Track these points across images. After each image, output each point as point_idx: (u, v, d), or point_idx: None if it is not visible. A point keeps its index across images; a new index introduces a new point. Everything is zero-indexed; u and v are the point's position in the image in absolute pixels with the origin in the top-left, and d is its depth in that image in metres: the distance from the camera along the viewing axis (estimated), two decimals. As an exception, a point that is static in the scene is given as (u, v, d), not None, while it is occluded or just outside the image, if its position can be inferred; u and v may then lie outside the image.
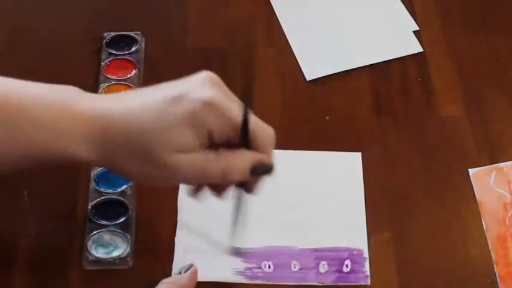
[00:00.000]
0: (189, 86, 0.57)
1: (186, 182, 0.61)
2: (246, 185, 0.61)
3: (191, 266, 0.65)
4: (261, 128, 0.59)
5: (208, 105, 0.55)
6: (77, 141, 0.57)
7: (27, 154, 0.57)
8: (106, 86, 0.78)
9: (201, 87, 0.56)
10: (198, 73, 0.58)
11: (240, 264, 0.67)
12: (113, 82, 0.78)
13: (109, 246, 0.68)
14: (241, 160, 0.58)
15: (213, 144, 0.57)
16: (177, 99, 0.56)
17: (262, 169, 0.59)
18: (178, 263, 0.67)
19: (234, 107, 0.57)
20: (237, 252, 0.67)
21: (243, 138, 0.57)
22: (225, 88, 0.58)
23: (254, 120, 0.58)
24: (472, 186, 0.73)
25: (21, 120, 0.56)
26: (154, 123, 0.56)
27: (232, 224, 0.64)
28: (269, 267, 0.68)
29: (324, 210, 0.71)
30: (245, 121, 0.56)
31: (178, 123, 0.55)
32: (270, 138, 0.59)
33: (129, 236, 0.68)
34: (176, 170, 0.56)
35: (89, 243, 0.67)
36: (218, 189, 0.61)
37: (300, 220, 0.71)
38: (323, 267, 0.68)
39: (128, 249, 0.67)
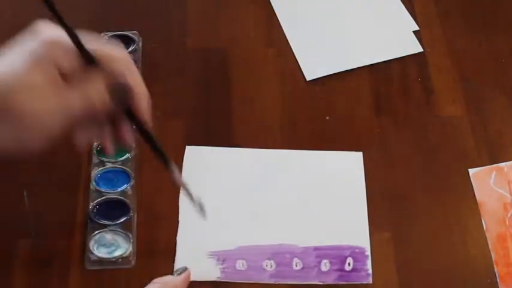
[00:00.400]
0: (29, 33, 0.56)
1: (53, 125, 0.56)
2: (133, 117, 0.58)
3: (185, 269, 0.65)
4: (106, 49, 0.57)
5: (46, 41, 0.55)
6: None
7: None
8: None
9: (39, 30, 0.56)
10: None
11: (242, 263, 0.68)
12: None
13: (111, 246, 0.68)
14: (94, 81, 0.56)
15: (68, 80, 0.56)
16: (21, 46, 0.56)
17: (120, 88, 0.57)
18: (179, 263, 0.67)
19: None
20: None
21: (87, 60, 0.56)
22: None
23: (98, 45, 0.57)
24: (472, 186, 0.73)
25: None
26: (8, 74, 0.54)
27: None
28: (271, 266, 0.68)
29: (326, 209, 0.71)
30: (75, 39, 0.55)
31: (25, 68, 0.54)
32: (120, 58, 0.58)
33: (131, 236, 0.68)
34: (40, 114, 0.54)
35: (91, 243, 0.67)
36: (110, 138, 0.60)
37: (302, 218, 0.71)
38: (325, 265, 0.68)
39: (130, 249, 0.67)
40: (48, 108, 0.55)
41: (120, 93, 0.57)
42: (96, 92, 0.56)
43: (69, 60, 0.56)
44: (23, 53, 0.55)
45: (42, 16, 0.57)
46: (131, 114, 0.59)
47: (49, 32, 0.56)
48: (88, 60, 0.56)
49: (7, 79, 0.55)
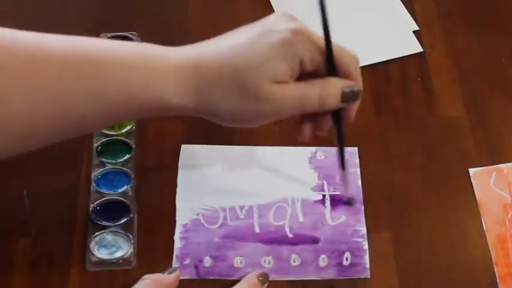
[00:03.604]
0: (271, 22, 0.60)
1: (284, 113, 0.61)
2: (339, 116, 0.63)
3: (176, 269, 0.66)
4: (345, 52, 0.61)
5: (297, 33, 0.58)
6: (171, 87, 0.57)
7: (123, 105, 0.57)
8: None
9: (283, 20, 0.59)
10: (272, 14, 0.61)
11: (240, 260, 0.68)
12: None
13: (112, 247, 0.68)
14: (333, 86, 0.60)
15: (303, 74, 0.59)
16: (264, 33, 0.58)
17: (352, 94, 0.61)
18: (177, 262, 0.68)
19: (317, 34, 0.59)
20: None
21: (329, 64, 0.59)
22: (302, 22, 0.60)
23: (337, 46, 0.60)
24: (472, 186, 0.73)
25: (115, 71, 0.56)
26: (248, 55, 0.57)
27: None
28: (269, 262, 0.68)
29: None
30: (328, 43, 0.59)
31: (272, 53, 0.57)
32: (354, 63, 0.62)
33: (131, 237, 0.68)
34: (275, 101, 0.58)
35: (92, 244, 0.67)
36: (315, 121, 0.63)
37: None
38: (323, 261, 0.68)
39: (131, 250, 0.67)
40: (287, 97, 0.58)
41: (351, 98, 0.62)
42: (333, 95, 0.60)
43: (313, 56, 0.59)
44: (270, 38, 0.58)
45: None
46: (339, 115, 0.63)
47: (294, 23, 0.59)
48: (330, 63, 0.60)
49: (249, 58, 0.57)
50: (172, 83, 0.57)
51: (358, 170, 0.74)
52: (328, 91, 0.60)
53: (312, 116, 0.63)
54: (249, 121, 0.61)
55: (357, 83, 0.62)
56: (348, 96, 0.61)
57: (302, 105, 0.60)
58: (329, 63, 0.60)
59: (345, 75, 0.61)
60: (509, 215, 0.71)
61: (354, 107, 0.63)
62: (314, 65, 0.59)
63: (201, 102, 0.58)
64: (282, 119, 0.62)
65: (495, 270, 0.68)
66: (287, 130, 0.77)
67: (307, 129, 0.64)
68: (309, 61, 0.59)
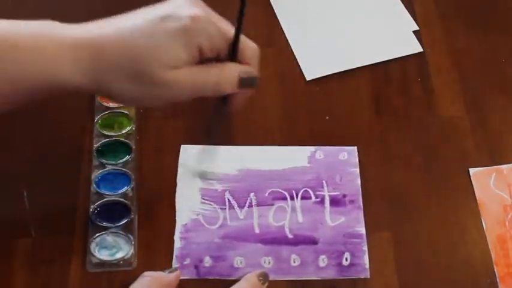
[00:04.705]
0: (175, 5, 0.59)
1: (180, 97, 0.61)
2: (229, 100, 0.64)
3: (176, 269, 0.66)
4: (247, 42, 0.62)
5: (197, 20, 0.58)
6: (66, 66, 0.57)
7: (18, 86, 0.58)
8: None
9: (187, 5, 0.59)
10: None
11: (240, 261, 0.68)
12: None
13: (112, 248, 0.68)
14: (231, 71, 0.61)
15: (203, 60, 0.60)
16: (166, 18, 0.58)
17: (249, 80, 0.62)
18: (177, 262, 0.68)
19: (222, 21, 0.60)
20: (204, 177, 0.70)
21: (232, 52, 0.60)
22: (208, 8, 0.60)
23: (241, 36, 0.61)
24: (472, 186, 0.73)
25: (8, 51, 0.57)
26: (146, 41, 0.57)
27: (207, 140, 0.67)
28: (269, 262, 0.68)
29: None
30: (237, 33, 0.59)
31: (169, 40, 0.57)
32: (255, 52, 0.63)
33: (132, 238, 0.68)
34: (172, 85, 0.58)
35: (92, 245, 0.67)
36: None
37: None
38: (322, 261, 0.68)
39: (132, 251, 0.67)
40: (182, 82, 0.59)
41: (248, 84, 0.63)
42: (230, 81, 0.61)
43: (212, 43, 0.59)
44: (169, 24, 0.58)
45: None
46: (227, 100, 0.65)
47: (196, 9, 0.59)
48: (233, 50, 0.61)
49: (146, 46, 0.57)
50: (66, 63, 0.57)
51: (357, 170, 0.74)
52: (225, 76, 0.61)
53: None
54: (145, 103, 0.63)
55: (255, 70, 0.63)
56: (245, 81, 0.62)
57: (198, 90, 0.61)
58: (233, 49, 0.61)
59: (244, 63, 0.62)
60: (509, 216, 0.71)
61: (247, 95, 0.65)
62: (214, 52, 0.60)
63: (96, 82, 0.58)
64: (179, 101, 0.63)
65: (495, 270, 0.68)
66: (287, 130, 0.77)
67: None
68: (209, 48, 0.59)
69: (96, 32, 0.59)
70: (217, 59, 0.61)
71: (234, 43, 0.60)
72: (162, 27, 0.58)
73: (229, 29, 0.61)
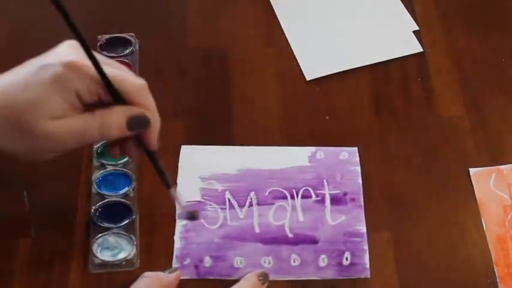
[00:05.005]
0: (55, 54, 0.58)
1: (67, 147, 0.59)
2: (141, 142, 0.61)
3: (176, 269, 0.66)
4: (129, 80, 0.59)
5: (69, 67, 0.56)
6: None
7: None
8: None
9: (65, 52, 0.57)
10: (60, 44, 0.59)
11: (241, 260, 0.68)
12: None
13: (115, 249, 0.67)
14: (116, 114, 0.59)
15: (88, 105, 0.58)
16: (42, 68, 0.57)
17: (138, 121, 0.59)
18: (177, 262, 0.68)
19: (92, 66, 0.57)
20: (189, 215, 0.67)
21: (112, 94, 0.58)
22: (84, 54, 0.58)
23: (120, 76, 0.58)
24: (472, 186, 0.73)
25: None
26: (23, 94, 0.56)
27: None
28: (269, 262, 0.68)
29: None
30: (101, 74, 0.57)
31: (45, 89, 0.56)
32: (140, 90, 0.60)
33: (134, 238, 0.68)
34: (54, 136, 0.57)
35: (94, 246, 0.67)
36: (121, 145, 0.62)
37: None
38: (322, 261, 0.68)
39: (134, 251, 0.67)
40: (64, 132, 0.57)
41: (138, 125, 0.60)
42: (115, 124, 0.59)
43: (89, 88, 0.57)
44: (43, 74, 0.56)
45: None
46: (141, 140, 0.61)
47: (72, 55, 0.57)
48: (111, 92, 0.58)
49: (23, 98, 0.56)
50: None
51: (358, 168, 0.74)
52: (110, 120, 0.58)
53: (117, 141, 0.62)
54: (37, 157, 0.60)
55: (147, 110, 0.60)
56: (135, 123, 0.59)
57: (83, 137, 0.58)
58: (110, 92, 0.58)
59: (133, 103, 0.59)
60: (509, 217, 0.71)
61: (153, 133, 0.61)
62: (94, 96, 0.58)
63: None
64: (67, 152, 0.60)
65: (495, 270, 0.68)
66: (287, 130, 0.77)
67: (115, 150, 0.63)
68: (87, 94, 0.57)
69: None
70: (104, 103, 0.59)
71: (108, 85, 0.58)
72: (38, 78, 0.56)
73: (109, 71, 0.58)
